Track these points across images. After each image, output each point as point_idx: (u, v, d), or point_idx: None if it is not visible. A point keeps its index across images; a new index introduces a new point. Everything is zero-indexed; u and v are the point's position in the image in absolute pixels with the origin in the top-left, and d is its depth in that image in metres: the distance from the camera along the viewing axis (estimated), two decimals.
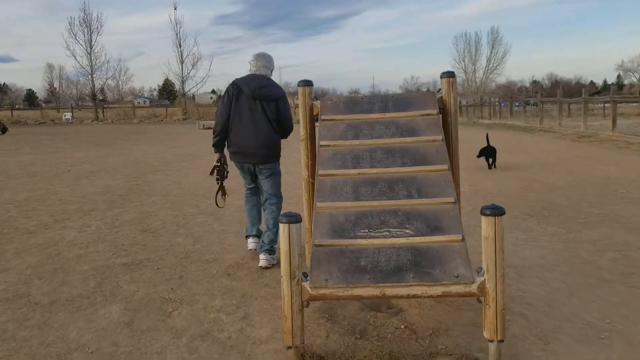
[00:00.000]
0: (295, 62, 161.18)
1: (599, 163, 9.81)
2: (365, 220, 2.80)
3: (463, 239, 2.63)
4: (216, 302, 3.44)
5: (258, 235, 4.41)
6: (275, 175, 4.30)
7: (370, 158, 3.16)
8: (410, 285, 2.48)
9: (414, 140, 3.22)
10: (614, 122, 15.70)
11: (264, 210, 4.39)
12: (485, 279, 2.46)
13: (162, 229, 5.30)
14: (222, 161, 4.39)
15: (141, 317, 3.24)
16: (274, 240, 4.16)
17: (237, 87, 4.06)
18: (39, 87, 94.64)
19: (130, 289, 3.70)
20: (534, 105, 27.02)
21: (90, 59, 39.13)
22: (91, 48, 39.00)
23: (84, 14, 39.05)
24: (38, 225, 5.50)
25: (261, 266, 4.07)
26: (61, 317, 3.25)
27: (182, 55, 39.96)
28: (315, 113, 3.68)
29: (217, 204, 4.54)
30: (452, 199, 2.84)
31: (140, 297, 3.54)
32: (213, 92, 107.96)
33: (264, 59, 4.17)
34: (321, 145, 3.29)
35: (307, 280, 2.57)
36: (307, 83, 3.67)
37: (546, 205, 6.12)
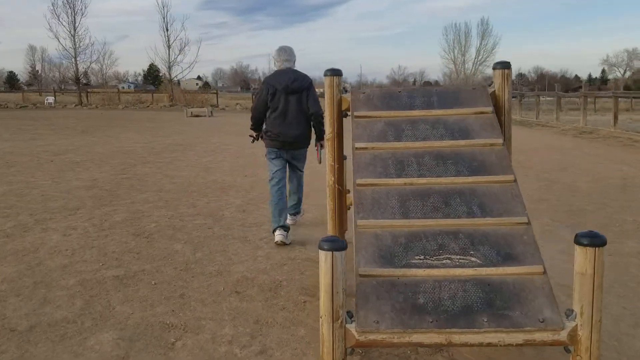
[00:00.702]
0: None
1: (610, 162, 9.41)
2: (419, 243, 2.29)
3: (545, 272, 2.13)
4: (226, 331, 2.91)
5: (286, 227, 4.60)
6: (305, 157, 4.85)
7: (417, 164, 2.64)
8: (485, 332, 1.98)
9: (469, 144, 2.71)
10: (616, 118, 15.37)
11: (290, 183, 4.99)
12: (577, 324, 1.97)
13: (157, 233, 4.74)
14: (257, 136, 4.90)
15: (138, 349, 2.70)
16: (299, 202, 5.06)
17: (271, 86, 4.47)
18: (20, 69, 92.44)
19: (124, 310, 3.16)
20: (531, 98, 26.65)
21: (74, 41, 37.92)
22: (75, 30, 37.77)
23: None
24: (16, 227, 4.90)
25: (290, 223, 4.82)
26: (42, 349, 2.70)
27: (169, 40, 38.94)
28: (344, 108, 3.15)
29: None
30: (524, 219, 2.34)
31: (137, 322, 3.00)
32: (199, 78, 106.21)
33: (286, 53, 4.58)
34: (357, 148, 2.76)
35: (352, 322, 2.06)
36: (335, 72, 3.12)
37: (572, 210, 5.67)
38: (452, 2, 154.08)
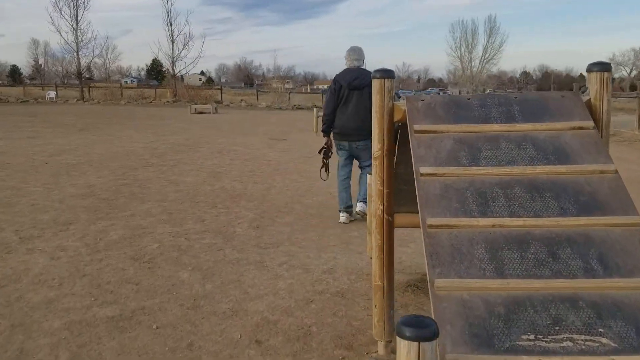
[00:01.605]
0: (285, 45, 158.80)
1: None
2: (524, 315, 1.65)
3: None
4: None
5: (350, 209, 5.31)
6: (369, 149, 4.79)
7: (505, 198, 1.99)
8: None
9: (572, 171, 2.06)
10: None
11: (360, 175, 5.46)
12: None
13: (159, 256, 4.10)
14: (329, 144, 5.44)
15: None
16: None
17: (337, 82, 5.09)
18: (23, 63, 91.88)
19: None
20: None
21: (76, 35, 37.20)
22: (77, 24, 37.04)
23: None
24: None
25: (358, 211, 5.37)
26: None
27: (172, 35, 38.25)
28: (397, 119, 2.50)
29: (321, 177, 5.79)
30: None
31: None
32: (202, 73, 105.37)
33: (355, 53, 5.18)
34: (422, 174, 2.11)
35: None
36: (386, 74, 2.47)
37: None
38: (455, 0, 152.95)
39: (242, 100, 37.63)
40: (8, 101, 33.29)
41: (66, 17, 36.61)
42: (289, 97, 36.98)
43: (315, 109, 15.12)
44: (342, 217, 5.27)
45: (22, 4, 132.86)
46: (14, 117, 19.28)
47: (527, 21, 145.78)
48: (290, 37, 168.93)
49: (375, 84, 2.46)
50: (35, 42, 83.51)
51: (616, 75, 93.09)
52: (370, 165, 4.85)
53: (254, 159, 9.56)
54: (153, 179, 7.27)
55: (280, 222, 5.25)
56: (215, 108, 25.71)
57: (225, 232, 4.80)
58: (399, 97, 2.56)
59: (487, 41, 56.72)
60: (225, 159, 9.38)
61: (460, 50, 57.16)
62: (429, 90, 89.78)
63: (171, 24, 37.91)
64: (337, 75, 5.18)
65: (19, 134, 12.92)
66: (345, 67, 5.22)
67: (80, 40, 37.27)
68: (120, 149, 10.43)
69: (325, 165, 5.66)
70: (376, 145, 2.52)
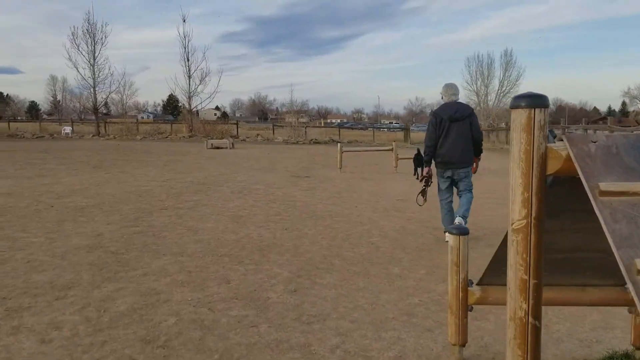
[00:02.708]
0: (299, 80, 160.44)
1: None
2: None
3: None
4: None
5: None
6: (468, 176, 5.65)
7: None
8: None
9: None
10: None
11: (460, 198, 5.73)
12: None
13: (177, 337, 3.20)
14: (430, 173, 5.86)
15: None
16: (467, 210, 5.61)
17: (438, 116, 5.57)
18: (41, 99, 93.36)
19: None
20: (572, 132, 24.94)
21: (93, 70, 37.29)
22: (94, 59, 37.18)
23: (88, 24, 37.18)
24: None
25: (456, 222, 5.50)
26: None
27: (189, 70, 38.18)
28: (552, 171, 1.62)
29: (417, 202, 6.33)
30: None
31: None
32: (217, 108, 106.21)
33: (452, 89, 5.74)
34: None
35: None
36: (535, 101, 1.61)
37: None
38: (465, 34, 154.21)
39: (258, 135, 37.18)
40: (24, 137, 33.15)
41: (83, 53, 36.79)
42: (306, 132, 36.41)
43: (339, 144, 14.33)
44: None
45: (41, 41, 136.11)
46: (27, 153, 18.78)
47: (540, 55, 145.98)
48: (304, 73, 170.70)
49: (519, 116, 1.60)
50: (53, 79, 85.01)
51: (631, 109, 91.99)
52: (470, 191, 5.73)
53: (278, 199, 8.71)
54: (169, 226, 6.43)
55: (321, 283, 4.35)
56: (232, 143, 25.13)
57: (257, 299, 3.90)
58: (554, 137, 1.70)
59: (504, 75, 56.17)
60: (247, 200, 8.54)
61: (477, 84, 56.59)
62: None
63: (188, 60, 37.88)
64: (437, 110, 5.75)
65: (29, 172, 12.26)
66: (442, 102, 5.81)
67: (97, 75, 37.30)
68: (134, 189, 9.66)
69: (424, 192, 6.22)
70: (518, 212, 1.64)
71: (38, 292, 3.96)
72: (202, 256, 5.08)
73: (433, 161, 5.76)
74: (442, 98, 5.79)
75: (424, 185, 6.12)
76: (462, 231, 2.90)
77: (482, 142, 5.82)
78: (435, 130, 5.57)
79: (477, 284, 2.95)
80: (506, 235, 1.93)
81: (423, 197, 6.25)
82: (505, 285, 1.97)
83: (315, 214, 7.38)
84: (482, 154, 5.86)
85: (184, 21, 37.97)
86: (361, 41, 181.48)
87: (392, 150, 13.37)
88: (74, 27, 41.38)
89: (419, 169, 11.38)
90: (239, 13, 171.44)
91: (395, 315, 3.67)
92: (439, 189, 5.83)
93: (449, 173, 5.64)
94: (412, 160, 12.53)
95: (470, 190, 5.70)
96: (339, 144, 14.02)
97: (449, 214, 5.72)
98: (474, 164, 5.78)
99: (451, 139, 5.52)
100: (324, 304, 3.84)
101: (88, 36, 36.68)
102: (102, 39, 37.02)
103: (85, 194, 8.92)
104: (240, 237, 5.90)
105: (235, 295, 3.98)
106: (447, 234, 5.13)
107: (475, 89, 56.23)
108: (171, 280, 4.30)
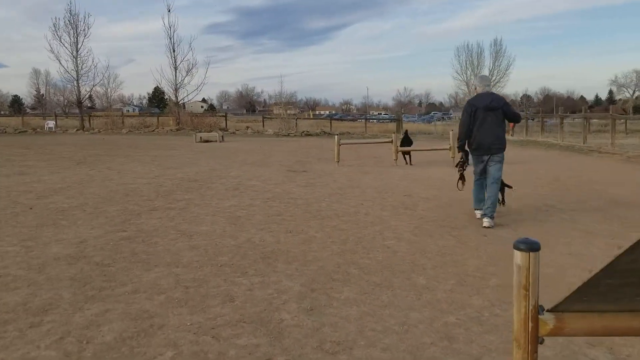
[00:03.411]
0: (286, 71, 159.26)
1: None
2: None
3: None
4: None
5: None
6: (501, 162, 6.10)
7: None
8: None
9: None
10: None
11: (487, 190, 6.12)
12: None
13: None
14: (464, 158, 6.37)
15: None
16: (494, 204, 5.96)
17: (473, 105, 6.07)
18: (25, 93, 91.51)
19: None
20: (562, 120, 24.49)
21: (76, 63, 36.18)
22: (77, 51, 36.07)
23: (70, 14, 36.00)
24: None
25: (485, 226, 5.85)
26: None
27: (175, 61, 37.22)
28: None
29: (457, 188, 6.55)
30: None
31: None
32: (204, 100, 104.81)
33: (486, 80, 6.62)
34: None
35: None
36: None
37: None
38: (454, 24, 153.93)
39: (247, 127, 36.44)
40: (5, 132, 32.09)
41: (66, 44, 35.67)
42: (296, 124, 35.74)
43: (336, 136, 13.74)
44: (485, 222, 5.95)
45: (26, 35, 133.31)
46: (8, 149, 17.96)
47: (527, 45, 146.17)
48: (291, 64, 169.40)
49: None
50: (36, 72, 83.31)
51: (619, 97, 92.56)
52: (498, 184, 6.11)
53: (277, 197, 8.12)
54: (160, 230, 5.82)
55: (339, 298, 3.78)
56: (222, 136, 24.42)
57: (269, 322, 3.33)
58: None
59: (493, 64, 55.84)
60: (244, 199, 7.94)
61: (467, 74, 56.20)
62: (432, 114, 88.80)
63: (174, 50, 36.92)
64: (472, 100, 6.18)
65: (7, 169, 11.53)
66: (477, 92, 6.24)
67: (80, 68, 36.22)
68: (121, 187, 9.00)
69: (462, 177, 6.49)
70: None
71: (9, 318, 3.34)
72: (200, 266, 4.49)
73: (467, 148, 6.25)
74: (475, 89, 6.30)
75: (459, 170, 6.46)
76: (532, 246, 2.33)
77: (520, 119, 6.85)
78: (470, 118, 6.02)
79: (550, 311, 2.39)
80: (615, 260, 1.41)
81: (462, 182, 6.50)
82: (589, 311, 1.43)
83: (320, 214, 6.81)
84: (518, 123, 6.89)
85: (169, 11, 36.85)
86: (349, 31, 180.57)
87: (391, 142, 12.80)
88: (55, 18, 40.22)
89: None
90: (224, 3, 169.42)
91: (433, 340, 3.12)
92: (474, 172, 6.27)
93: (484, 158, 6.08)
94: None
95: (497, 180, 6.09)
96: (336, 137, 13.41)
97: (481, 192, 6.22)
98: (511, 129, 7.03)
99: (487, 126, 5.96)
100: (347, 327, 3.28)
101: (70, 27, 35.58)
102: (84, 30, 35.94)
103: (67, 194, 8.25)
104: (241, 242, 5.31)
105: (242, 317, 3.40)
106: (477, 211, 6.23)
107: (465, 78, 55.82)
108: (166, 299, 3.70)
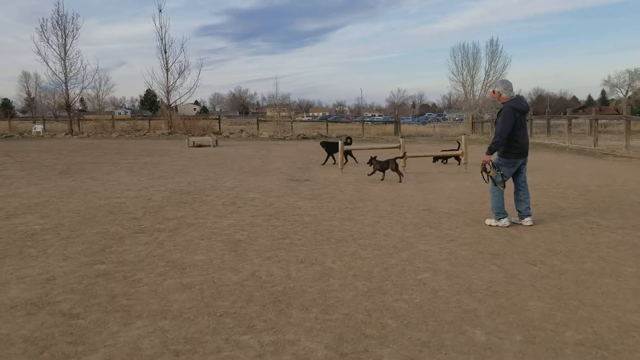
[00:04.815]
0: (279, 73, 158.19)
1: None
2: None
3: None
4: None
5: (507, 214, 6.23)
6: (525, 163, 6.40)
7: None
8: None
9: None
10: None
11: (520, 190, 6.34)
12: None
13: None
14: (490, 163, 6.19)
15: None
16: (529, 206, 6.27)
17: (517, 110, 6.03)
18: (15, 96, 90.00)
19: None
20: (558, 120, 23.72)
21: (65, 65, 35.10)
22: (65, 53, 34.98)
23: (58, 15, 34.88)
24: None
25: (528, 224, 6.19)
26: None
27: (167, 63, 36.21)
28: None
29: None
30: None
31: None
32: (196, 103, 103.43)
33: (509, 84, 6.22)
34: None
35: None
36: None
37: None
38: (445, 25, 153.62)
39: (242, 130, 35.47)
40: None
41: (54, 46, 34.60)
42: (292, 126, 34.81)
43: (340, 140, 12.81)
44: (507, 222, 6.19)
45: (16, 37, 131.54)
46: None
47: (520, 46, 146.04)
48: (284, 66, 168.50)
49: None
50: (26, 75, 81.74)
51: (612, 97, 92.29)
52: (525, 180, 6.36)
53: (280, 213, 7.18)
54: (146, 261, 4.86)
55: None
56: (216, 140, 23.45)
57: None
58: None
59: (490, 64, 55.11)
60: (243, 216, 6.99)
61: (463, 75, 55.45)
62: (426, 115, 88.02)
63: (166, 52, 35.92)
64: (513, 104, 6.05)
65: None
66: (510, 95, 6.14)
67: (68, 70, 35.13)
68: (104, 202, 8.03)
69: (493, 179, 6.26)
70: None
71: None
72: (194, 317, 3.54)
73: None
74: (500, 95, 6.16)
75: (488, 172, 6.22)
76: None
77: None
78: (516, 123, 6.00)
79: None
80: None
81: (488, 180, 6.34)
82: None
83: (333, 235, 5.87)
84: None
85: (160, 11, 35.89)
86: (341, 33, 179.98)
87: (399, 147, 11.88)
88: (43, 19, 39.13)
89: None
90: (216, 6, 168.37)
91: None
92: (503, 179, 6.14)
93: (521, 161, 6.22)
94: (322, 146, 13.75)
95: (526, 181, 6.39)
96: (339, 141, 12.46)
97: (503, 199, 6.17)
98: None
99: (525, 130, 6.18)
100: None
101: (58, 28, 34.55)
102: (73, 31, 34.98)
103: (42, 211, 7.27)
104: (244, 278, 4.36)
105: None
106: (503, 220, 6.16)
107: (462, 79, 55.05)
108: None
